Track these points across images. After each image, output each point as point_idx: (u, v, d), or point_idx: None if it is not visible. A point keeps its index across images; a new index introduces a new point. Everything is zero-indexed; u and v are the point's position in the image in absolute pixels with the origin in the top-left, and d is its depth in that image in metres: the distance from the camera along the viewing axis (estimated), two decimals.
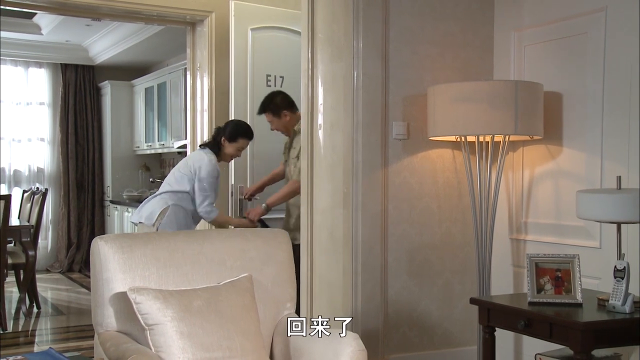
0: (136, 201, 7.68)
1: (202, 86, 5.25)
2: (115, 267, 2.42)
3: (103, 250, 2.44)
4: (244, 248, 2.64)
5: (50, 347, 2.20)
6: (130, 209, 7.72)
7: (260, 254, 2.66)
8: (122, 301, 2.38)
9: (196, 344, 2.27)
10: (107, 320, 2.43)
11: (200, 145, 4.65)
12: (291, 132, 4.42)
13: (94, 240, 2.51)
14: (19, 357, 1.98)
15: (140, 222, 4.34)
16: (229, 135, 4.39)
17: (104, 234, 6.37)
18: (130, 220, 6.25)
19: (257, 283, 2.58)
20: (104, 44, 7.95)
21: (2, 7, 4.95)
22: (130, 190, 8.43)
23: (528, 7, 3.65)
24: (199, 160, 4.35)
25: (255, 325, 2.46)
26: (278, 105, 4.40)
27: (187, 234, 2.87)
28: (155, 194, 4.44)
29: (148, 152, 8.43)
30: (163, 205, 4.30)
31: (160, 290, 2.36)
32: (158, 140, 8.00)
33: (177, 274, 2.49)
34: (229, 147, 4.39)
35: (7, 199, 5.18)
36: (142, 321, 2.30)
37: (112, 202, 8.53)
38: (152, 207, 4.34)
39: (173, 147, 7.40)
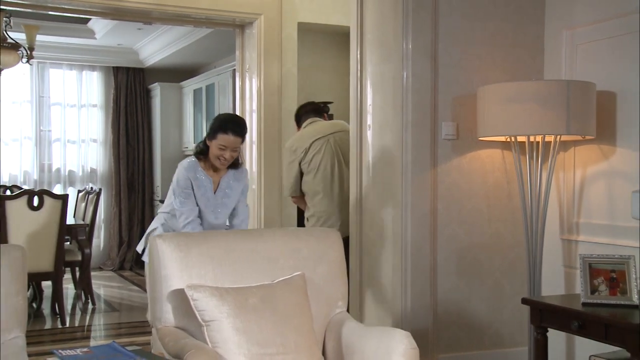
0: None
1: (251, 87, 5.33)
2: (173, 264, 2.50)
3: (161, 248, 2.52)
4: (297, 247, 2.70)
5: (113, 341, 2.29)
6: None
7: (313, 253, 2.71)
8: (180, 298, 2.46)
9: (251, 340, 2.33)
10: (165, 315, 2.51)
11: None
12: None
13: (151, 239, 2.59)
14: (84, 348, 2.08)
15: None
16: (208, 132, 3.45)
17: None
18: None
19: (310, 281, 2.63)
20: (154, 47, 8.13)
21: (60, 14, 5.14)
22: None
23: (580, 6, 3.60)
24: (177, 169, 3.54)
25: (309, 322, 2.51)
26: (296, 119, 4.43)
27: (241, 232, 2.93)
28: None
29: None
30: (152, 227, 3.63)
31: (216, 288, 2.43)
32: None
33: (231, 271, 2.56)
34: (212, 147, 3.41)
35: (64, 198, 5.36)
36: (199, 317, 2.37)
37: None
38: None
39: None
